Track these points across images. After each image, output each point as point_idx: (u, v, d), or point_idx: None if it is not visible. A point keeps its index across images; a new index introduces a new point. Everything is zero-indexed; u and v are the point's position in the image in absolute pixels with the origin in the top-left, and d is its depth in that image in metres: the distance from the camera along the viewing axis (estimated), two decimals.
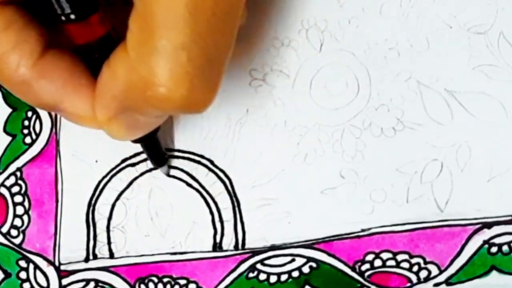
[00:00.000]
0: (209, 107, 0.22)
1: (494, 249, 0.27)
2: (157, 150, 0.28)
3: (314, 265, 0.28)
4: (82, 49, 0.23)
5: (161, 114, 0.23)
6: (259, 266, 0.28)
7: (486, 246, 0.27)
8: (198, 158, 0.29)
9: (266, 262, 0.28)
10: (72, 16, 0.22)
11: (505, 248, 0.27)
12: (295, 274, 0.28)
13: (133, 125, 0.24)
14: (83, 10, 0.22)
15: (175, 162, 0.29)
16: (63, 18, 0.22)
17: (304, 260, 0.28)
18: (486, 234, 0.27)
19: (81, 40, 0.23)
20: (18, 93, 0.24)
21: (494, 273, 0.27)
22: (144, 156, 0.29)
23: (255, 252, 0.28)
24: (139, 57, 0.20)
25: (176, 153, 0.29)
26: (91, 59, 0.23)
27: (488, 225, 0.27)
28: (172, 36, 0.20)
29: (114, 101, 0.22)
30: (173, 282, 0.29)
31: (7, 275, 0.30)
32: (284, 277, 0.28)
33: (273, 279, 0.28)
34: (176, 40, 0.20)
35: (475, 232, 0.27)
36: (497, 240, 0.27)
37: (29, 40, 0.22)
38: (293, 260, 0.28)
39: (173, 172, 0.29)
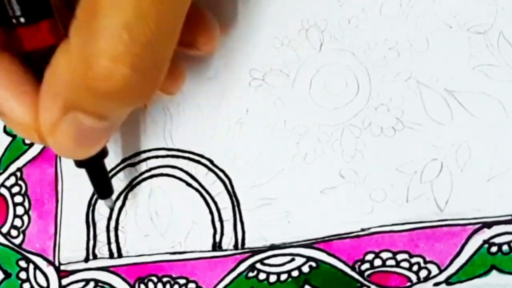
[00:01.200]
0: (149, 98, 0.21)
1: (494, 249, 0.27)
2: (103, 178, 0.27)
3: (313, 264, 0.28)
4: (31, 56, 0.22)
5: (104, 106, 0.22)
6: (258, 265, 0.28)
7: (486, 245, 0.27)
8: (197, 158, 0.29)
9: (266, 261, 0.28)
10: (22, 19, 0.21)
11: (505, 247, 0.27)
12: (295, 273, 0.28)
13: (79, 134, 0.22)
14: (34, 14, 0.21)
15: (175, 162, 0.29)
16: (13, 21, 0.21)
17: (304, 259, 0.28)
18: (486, 233, 0.27)
19: (29, 46, 0.22)
20: None
21: (494, 272, 0.27)
22: (143, 156, 0.29)
23: (254, 251, 0.28)
24: (80, 40, 0.20)
25: (176, 153, 0.29)
26: (39, 68, 0.22)
27: (488, 225, 0.27)
28: (114, 14, 0.19)
29: (55, 100, 0.21)
30: (172, 282, 0.29)
31: (7, 275, 0.30)
32: (283, 277, 0.28)
33: (272, 278, 0.28)
34: (118, 18, 0.19)
35: (475, 231, 0.27)
36: (497, 240, 0.27)
37: None
38: (292, 259, 0.28)
39: (173, 171, 0.29)
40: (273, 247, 0.28)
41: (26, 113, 0.22)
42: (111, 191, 0.28)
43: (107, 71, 0.19)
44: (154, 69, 0.21)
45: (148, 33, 0.20)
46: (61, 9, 0.23)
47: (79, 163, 0.26)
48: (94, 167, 0.26)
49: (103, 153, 0.26)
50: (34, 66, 0.23)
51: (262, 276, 0.28)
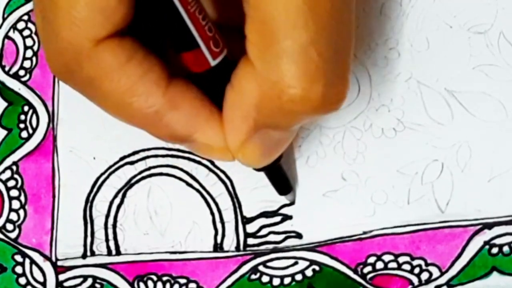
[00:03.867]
0: (341, 105, 0.21)
1: (495, 250, 0.27)
2: (282, 177, 0.28)
3: (317, 268, 0.28)
4: (200, 78, 0.22)
5: (298, 121, 0.22)
6: (261, 268, 0.28)
7: (487, 247, 0.27)
8: (198, 158, 0.29)
9: (269, 264, 0.28)
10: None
11: (505, 249, 0.27)
12: (298, 277, 0.28)
13: (267, 146, 0.23)
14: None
15: (175, 162, 0.29)
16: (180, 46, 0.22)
17: (307, 263, 0.28)
18: (486, 235, 0.27)
19: (199, 68, 0.22)
20: (148, 127, 0.23)
21: (495, 274, 0.27)
22: (143, 154, 0.29)
23: (257, 254, 0.28)
24: (265, 64, 0.20)
25: (176, 153, 0.29)
26: (209, 87, 0.23)
27: (489, 226, 0.27)
28: (296, 35, 0.19)
29: (245, 122, 0.22)
30: (172, 281, 0.28)
31: (3, 269, 0.30)
32: (287, 280, 0.28)
33: (276, 281, 0.28)
34: (301, 37, 0.19)
35: (476, 233, 0.27)
36: (497, 241, 0.27)
37: (154, 69, 0.21)
38: (296, 263, 0.28)
39: (173, 171, 0.29)
40: (275, 250, 0.28)
41: (218, 136, 0.22)
42: (290, 187, 0.28)
43: (303, 93, 0.20)
44: (343, 77, 0.21)
45: (333, 45, 0.20)
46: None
47: (258, 168, 0.26)
48: (273, 168, 0.26)
49: (280, 155, 0.25)
50: (202, 86, 0.23)
51: (265, 278, 0.28)
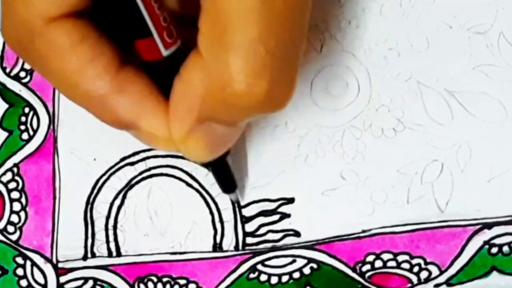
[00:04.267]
0: (286, 104, 0.21)
1: (494, 250, 0.27)
2: (227, 175, 0.28)
3: (315, 266, 0.28)
4: (151, 66, 0.22)
5: (242, 117, 0.22)
6: (260, 267, 0.28)
7: (487, 246, 0.27)
8: None
9: (267, 263, 0.28)
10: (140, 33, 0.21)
11: (505, 248, 0.27)
12: (296, 275, 0.28)
13: (211, 140, 0.23)
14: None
15: (174, 162, 0.29)
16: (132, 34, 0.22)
17: (305, 261, 0.28)
18: (486, 234, 0.27)
19: (151, 57, 0.22)
20: (93, 109, 0.22)
21: (494, 273, 0.27)
22: (143, 155, 0.29)
23: (255, 253, 0.28)
24: (214, 56, 0.20)
25: (176, 153, 0.29)
26: (160, 77, 0.23)
27: (489, 226, 0.27)
28: (247, 30, 0.19)
29: (189, 113, 0.22)
30: (172, 282, 0.28)
31: (4, 271, 0.30)
32: (285, 278, 0.28)
33: (274, 280, 0.28)
34: (251, 33, 0.19)
35: (476, 232, 0.27)
36: (497, 241, 0.27)
37: (105, 54, 0.22)
38: (294, 261, 0.28)
39: (172, 171, 0.29)
40: (274, 248, 0.28)
41: (163, 124, 0.22)
42: (234, 186, 0.28)
43: (247, 88, 0.20)
44: (290, 77, 0.21)
45: (283, 44, 0.20)
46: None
47: (203, 164, 0.26)
48: (219, 165, 0.27)
49: (227, 151, 0.26)
50: (153, 75, 0.23)
51: (263, 277, 0.28)
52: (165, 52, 0.22)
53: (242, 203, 0.29)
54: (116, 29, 0.22)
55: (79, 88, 0.22)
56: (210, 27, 0.20)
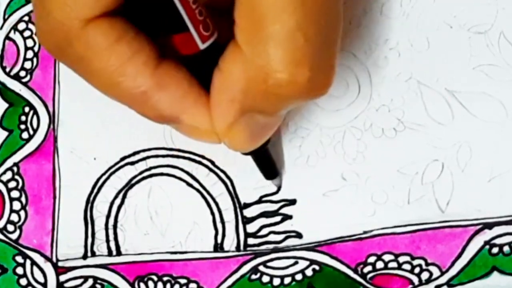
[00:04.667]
0: (328, 90, 0.21)
1: (495, 250, 0.27)
2: (269, 161, 0.28)
3: (317, 267, 0.28)
4: (189, 60, 0.23)
5: (284, 106, 0.22)
6: (261, 268, 0.28)
7: (487, 247, 0.27)
8: (198, 158, 0.29)
9: (269, 264, 0.28)
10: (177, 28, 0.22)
11: (506, 248, 0.27)
12: (299, 277, 0.28)
13: (254, 130, 0.23)
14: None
15: (175, 162, 0.29)
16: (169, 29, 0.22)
17: (307, 262, 0.28)
18: (487, 234, 0.27)
19: (188, 51, 0.22)
20: (135, 106, 0.23)
21: (495, 274, 0.27)
22: (143, 154, 0.29)
23: (257, 254, 0.28)
24: (253, 48, 0.20)
25: (177, 153, 0.29)
26: (198, 70, 0.23)
27: (489, 226, 0.27)
28: (284, 20, 0.19)
29: (232, 105, 0.22)
30: (173, 281, 0.28)
31: (4, 270, 0.30)
32: (287, 280, 0.28)
33: (276, 281, 0.28)
34: (289, 22, 0.19)
35: (476, 233, 0.27)
36: (498, 241, 0.27)
37: (143, 50, 0.22)
38: (296, 262, 0.28)
39: (173, 171, 0.29)
40: (276, 249, 0.28)
41: (204, 118, 0.23)
42: (276, 171, 0.28)
43: (289, 77, 0.20)
44: (330, 62, 0.21)
45: (321, 30, 0.20)
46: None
47: (246, 152, 0.26)
48: (260, 152, 0.27)
49: (268, 139, 0.26)
50: (191, 68, 0.23)
51: (265, 278, 0.28)
52: (202, 46, 0.22)
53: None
54: (152, 26, 0.22)
55: (120, 86, 0.22)
56: (246, 20, 0.20)
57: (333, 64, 0.21)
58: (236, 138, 0.23)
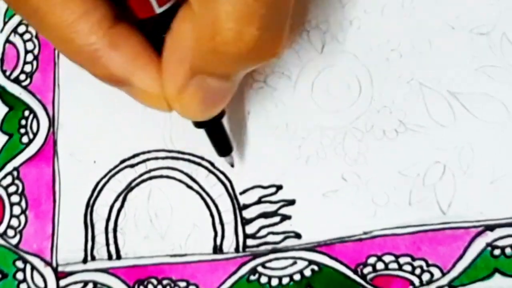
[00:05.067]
0: (276, 55, 0.21)
1: (497, 252, 0.27)
2: (223, 137, 0.27)
3: (316, 268, 0.28)
4: (145, 24, 0.22)
5: (234, 67, 0.22)
6: (260, 269, 0.28)
7: (489, 248, 0.27)
8: (198, 160, 0.29)
9: (268, 265, 0.28)
10: None
11: (508, 250, 0.27)
12: (297, 277, 0.28)
13: (206, 96, 0.23)
14: None
15: (175, 164, 0.29)
16: None
17: (306, 263, 0.28)
18: (488, 236, 0.27)
19: (144, 14, 0.22)
20: (86, 64, 0.22)
21: (497, 276, 0.27)
22: (143, 157, 0.29)
23: (256, 255, 0.28)
24: (203, 4, 0.20)
25: (176, 154, 0.29)
26: (154, 35, 0.23)
27: (491, 228, 0.27)
28: None
29: (181, 67, 0.22)
30: (173, 285, 0.28)
31: (4, 275, 0.29)
32: (285, 280, 0.28)
33: (274, 282, 0.28)
34: None
35: (478, 234, 0.27)
36: (500, 243, 0.27)
37: (98, 8, 0.22)
38: (294, 263, 0.28)
39: (173, 173, 0.29)
40: (274, 250, 0.28)
41: (155, 81, 0.22)
42: (230, 149, 0.28)
43: (236, 34, 0.19)
44: (280, 25, 0.21)
45: None
46: None
47: (199, 124, 0.26)
48: (214, 126, 0.26)
49: (222, 112, 0.25)
50: (146, 33, 0.23)
51: (263, 279, 0.28)
52: (158, 9, 0.22)
53: (235, 169, 0.29)
54: None
55: (73, 43, 0.22)
56: None
57: (283, 26, 0.21)
58: (187, 102, 0.23)
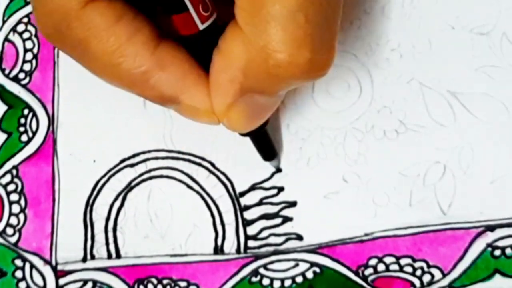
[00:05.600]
0: (327, 72, 0.21)
1: (497, 252, 0.27)
2: (267, 143, 0.28)
3: (317, 270, 0.28)
4: (188, 41, 0.23)
5: (284, 86, 0.22)
6: (262, 270, 0.28)
7: (489, 249, 0.27)
8: (198, 160, 0.29)
9: (269, 266, 0.28)
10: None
11: (508, 251, 0.27)
12: (299, 279, 0.28)
13: (253, 111, 0.23)
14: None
15: (175, 164, 0.29)
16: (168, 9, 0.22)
17: (308, 265, 0.28)
18: (489, 237, 0.27)
19: (187, 31, 0.22)
20: (135, 87, 0.23)
21: (497, 276, 0.27)
22: (143, 156, 0.29)
23: (258, 256, 0.28)
24: (253, 28, 0.20)
25: (176, 155, 0.29)
26: (197, 51, 0.23)
27: (491, 228, 0.27)
28: (285, 0, 0.20)
29: (231, 85, 0.22)
30: (173, 284, 0.28)
31: (3, 274, 0.29)
32: (287, 282, 0.28)
33: (276, 284, 0.28)
34: (290, 2, 0.19)
35: (478, 235, 0.27)
36: (500, 243, 0.27)
37: (143, 30, 0.22)
38: (296, 265, 0.28)
39: (173, 173, 0.29)
40: (276, 252, 0.28)
41: (205, 97, 0.23)
42: (275, 153, 0.28)
43: (289, 58, 0.20)
44: (330, 44, 0.21)
45: (321, 10, 0.20)
46: None
47: (244, 133, 0.26)
48: (259, 133, 0.27)
49: (267, 120, 0.26)
50: (190, 49, 0.23)
51: (266, 281, 0.28)
52: (201, 26, 0.22)
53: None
54: (151, 6, 0.22)
55: (120, 67, 0.22)
56: (246, 0, 0.20)
57: (333, 44, 0.21)
58: (235, 118, 0.23)
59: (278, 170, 0.29)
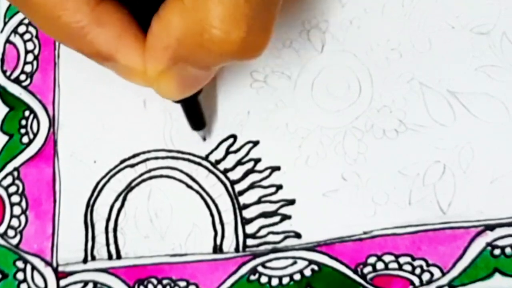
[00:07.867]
0: (261, 53, 0.22)
1: (497, 252, 0.27)
2: (197, 113, 0.28)
3: (316, 268, 0.28)
4: (130, 2, 0.23)
5: (216, 62, 0.23)
6: (260, 268, 0.28)
7: (489, 248, 0.27)
8: (198, 160, 0.29)
9: (268, 264, 0.28)
10: None
11: (508, 250, 0.27)
12: (297, 277, 0.28)
13: (184, 81, 0.23)
14: None
15: (175, 163, 0.29)
16: None
17: (306, 263, 0.28)
18: (489, 236, 0.27)
19: None
20: (72, 42, 0.23)
21: (497, 275, 0.27)
22: (143, 157, 0.29)
23: (256, 254, 0.28)
24: (194, 1, 0.20)
25: (176, 154, 0.29)
26: (140, 13, 0.23)
27: (491, 227, 0.27)
28: None
29: (166, 52, 0.22)
30: (173, 284, 0.28)
31: (4, 275, 0.29)
32: (285, 280, 0.28)
33: (274, 282, 0.28)
34: None
35: (478, 234, 0.27)
36: (500, 242, 0.27)
37: None
38: (294, 262, 0.28)
39: (173, 173, 0.29)
40: (275, 250, 0.28)
41: (140, 57, 0.23)
42: (203, 123, 0.29)
43: (224, 35, 0.20)
44: (266, 28, 0.21)
45: None
46: None
47: (175, 100, 0.27)
48: (190, 102, 0.27)
49: (199, 90, 0.26)
50: (132, 10, 0.23)
51: (264, 279, 0.28)
52: None
53: (208, 140, 0.29)
54: None
55: (60, 20, 0.22)
56: None
57: (270, 28, 0.22)
58: (165, 85, 0.23)
59: (204, 139, 0.29)
